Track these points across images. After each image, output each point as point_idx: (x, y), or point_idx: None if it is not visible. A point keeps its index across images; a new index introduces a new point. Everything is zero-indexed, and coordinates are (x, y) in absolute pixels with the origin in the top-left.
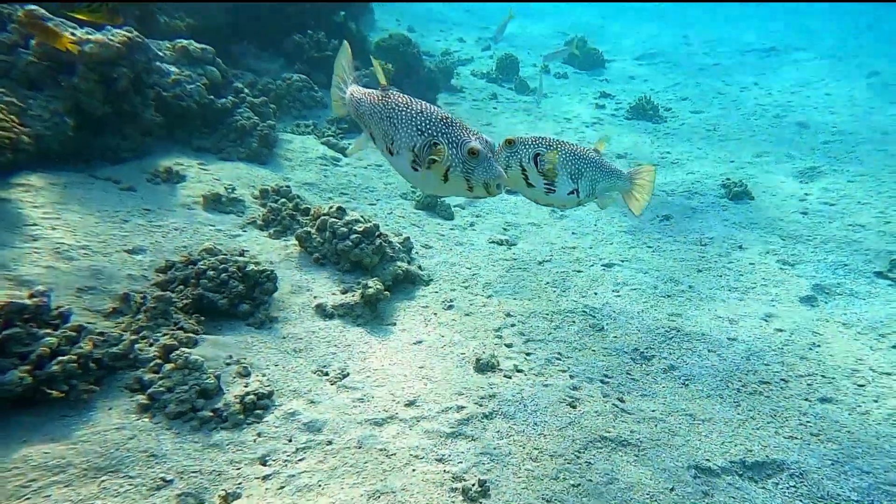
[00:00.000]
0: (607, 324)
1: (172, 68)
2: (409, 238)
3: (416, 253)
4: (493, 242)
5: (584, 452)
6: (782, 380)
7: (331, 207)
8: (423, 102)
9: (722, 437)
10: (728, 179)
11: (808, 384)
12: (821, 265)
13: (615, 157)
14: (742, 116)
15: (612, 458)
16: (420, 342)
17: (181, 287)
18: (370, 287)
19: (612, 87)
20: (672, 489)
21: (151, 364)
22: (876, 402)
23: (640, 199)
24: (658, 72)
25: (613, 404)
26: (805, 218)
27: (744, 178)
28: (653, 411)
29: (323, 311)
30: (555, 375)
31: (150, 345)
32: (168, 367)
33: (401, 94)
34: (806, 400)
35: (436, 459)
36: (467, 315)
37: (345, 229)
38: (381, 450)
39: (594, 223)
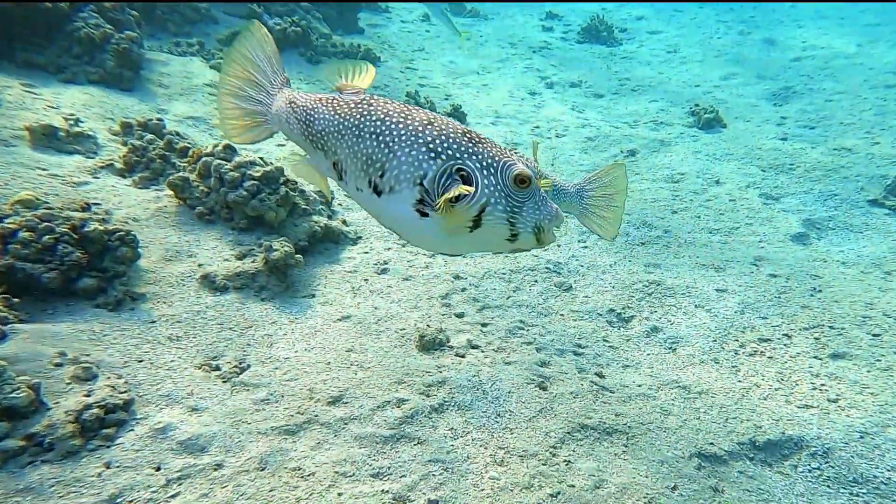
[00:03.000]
0: (575, 281)
1: None
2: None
3: (340, 204)
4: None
5: (561, 448)
6: (785, 335)
7: (216, 146)
8: (425, 110)
9: (724, 413)
10: (696, 106)
11: (816, 338)
12: (808, 197)
13: (567, 87)
14: (704, 36)
15: (597, 453)
16: (347, 318)
17: None
18: (276, 249)
19: (559, 6)
20: (674, 487)
21: None
22: None
23: (610, 218)
24: None
25: (591, 381)
26: (785, 144)
27: (713, 104)
28: (639, 386)
29: (212, 284)
30: (518, 350)
31: None
32: None
33: (388, 99)
34: (816, 357)
35: (370, 476)
36: (406, 280)
37: (236, 174)
38: (293, 469)
39: (550, 162)
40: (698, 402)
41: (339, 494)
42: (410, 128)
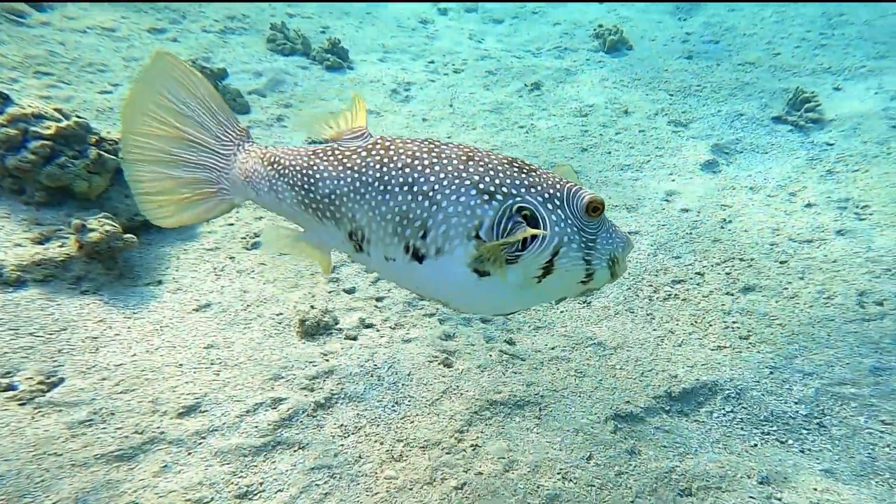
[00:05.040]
0: None
1: None
2: None
3: None
4: (318, 143)
5: (467, 431)
6: (697, 274)
7: None
8: (454, 143)
9: (640, 367)
10: (600, 27)
11: (727, 273)
12: (716, 120)
13: (463, 12)
14: None
15: (507, 430)
16: (206, 306)
17: None
18: (93, 229)
19: None
20: (589, 457)
21: None
22: (802, 279)
23: None
24: None
25: (501, 350)
26: (690, 63)
27: (617, 23)
28: (552, 349)
29: None
30: (419, 324)
31: None
32: None
33: (405, 138)
34: (728, 294)
35: (235, 497)
36: (285, 254)
37: (12, 131)
38: None
39: (449, 103)
40: (613, 358)
41: None
42: (449, 168)
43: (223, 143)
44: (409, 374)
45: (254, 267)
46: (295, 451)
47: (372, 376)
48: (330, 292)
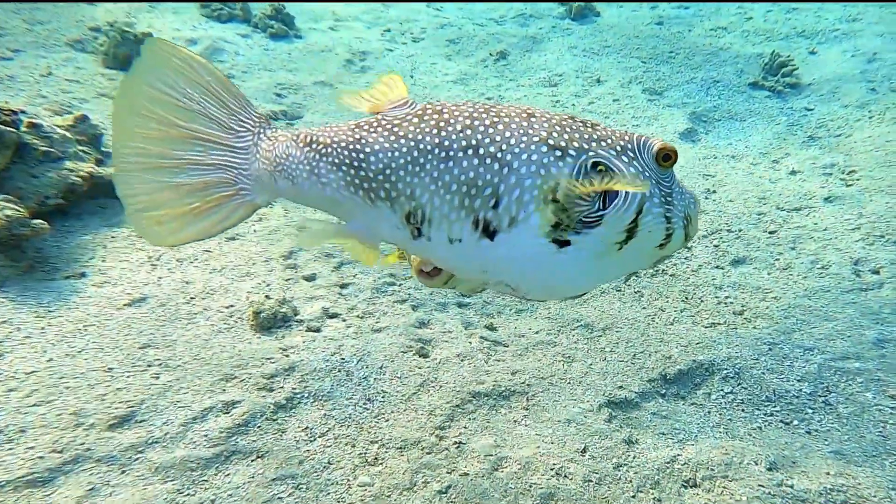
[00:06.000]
0: None
1: None
2: (86, 117)
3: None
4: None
5: (449, 427)
6: (685, 247)
7: None
8: (509, 103)
9: (631, 349)
10: None
11: (716, 245)
12: (691, 87)
13: None
14: None
15: (493, 424)
16: (142, 300)
17: None
18: None
19: None
20: (584, 450)
21: None
22: (793, 248)
23: None
24: None
25: (482, 337)
26: (662, 29)
27: None
28: (536, 333)
29: None
30: (390, 311)
31: None
32: None
33: (454, 102)
34: (718, 268)
35: None
36: (232, 239)
37: None
38: None
39: (409, 74)
40: (602, 340)
41: None
42: (513, 126)
43: (238, 134)
44: (381, 368)
45: (197, 255)
46: (252, 460)
47: (339, 371)
48: (287, 280)
